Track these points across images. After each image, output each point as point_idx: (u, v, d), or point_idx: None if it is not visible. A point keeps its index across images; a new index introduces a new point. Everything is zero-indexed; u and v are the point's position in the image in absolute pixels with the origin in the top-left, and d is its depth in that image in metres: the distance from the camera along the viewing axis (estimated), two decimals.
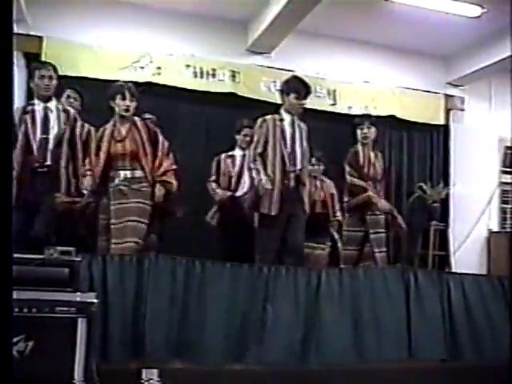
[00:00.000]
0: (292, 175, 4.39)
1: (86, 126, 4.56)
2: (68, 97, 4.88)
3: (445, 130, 7.71)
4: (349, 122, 5.63)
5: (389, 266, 5.05)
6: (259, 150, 4.39)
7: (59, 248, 2.94)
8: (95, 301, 2.80)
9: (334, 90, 7.11)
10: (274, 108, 5.87)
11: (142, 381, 3.08)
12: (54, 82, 4.34)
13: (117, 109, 4.26)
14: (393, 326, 3.88)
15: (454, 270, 6.68)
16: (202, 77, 6.66)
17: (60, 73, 6.00)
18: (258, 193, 4.28)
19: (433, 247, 7.01)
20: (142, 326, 3.33)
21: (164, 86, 6.47)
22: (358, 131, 5.17)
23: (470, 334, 4.07)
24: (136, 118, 4.37)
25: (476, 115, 7.76)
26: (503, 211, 7.96)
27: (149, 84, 6.30)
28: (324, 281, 3.78)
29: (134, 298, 3.39)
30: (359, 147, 5.19)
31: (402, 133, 7.56)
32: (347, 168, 5.13)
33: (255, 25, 6.65)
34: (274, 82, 6.87)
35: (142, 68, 6.40)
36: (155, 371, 3.10)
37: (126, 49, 6.40)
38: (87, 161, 4.31)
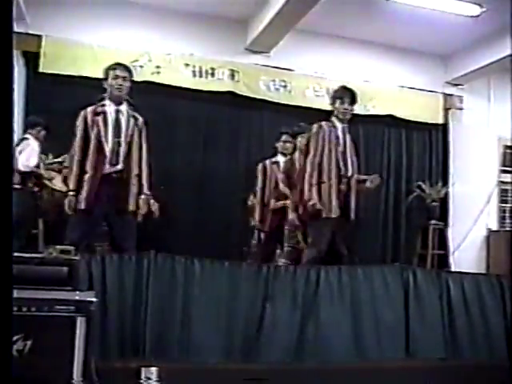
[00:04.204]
0: (344, 180, 4.48)
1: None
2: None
3: (444, 129, 7.73)
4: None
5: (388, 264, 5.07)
6: (317, 159, 4.47)
7: (58, 247, 2.94)
8: (94, 300, 2.80)
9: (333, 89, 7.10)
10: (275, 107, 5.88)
11: (141, 380, 3.08)
12: (128, 84, 4.29)
13: None
14: (392, 325, 3.88)
15: (453, 269, 6.70)
16: (201, 76, 6.67)
17: (59, 72, 6.09)
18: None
19: (432, 246, 7.02)
20: (141, 325, 3.33)
21: (163, 85, 6.48)
22: None
23: (469, 332, 4.07)
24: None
25: (475, 114, 7.77)
26: (502, 210, 7.97)
27: (148, 83, 6.31)
28: (323, 279, 3.79)
29: (133, 296, 3.39)
30: None
31: (401, 132, 7.57)
32: None
33: (254, 24, 6.65)
34: (273, 80, 6.89)
35: (141, 67, 6.40)
36: (154, 370, 3.10)
37: (125, 48, 6.39)
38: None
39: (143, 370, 3.10)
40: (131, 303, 3.38)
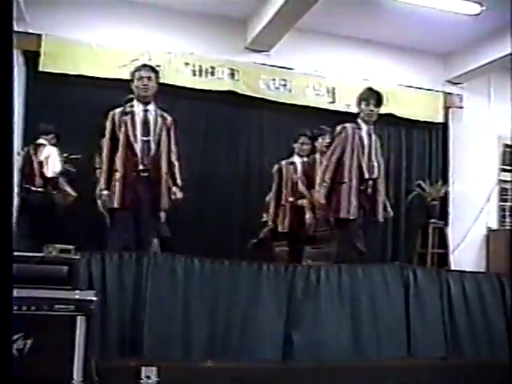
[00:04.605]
0: (370, 182, 4.50)
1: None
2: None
3: (443, 127, 7.72)
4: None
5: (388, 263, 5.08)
6: (334, 156, 4.50)
7: (58, 246, 2.93)
8: (94, 299, 2.80)
9: (333, 88, 7.11)
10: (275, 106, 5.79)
11: (142, 379, 3.08)
12: (153, 83, 4.33)
13: None
14: (392, 324, 3.88)
15: (453, 268, 6.69)
16: (201, 75, 6.66)
17: (59, 71, 6.08)
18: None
19: (432, 245, 7.01)
20: (141, 324, 3.33)
21: (163, 84, 6.45)
22: None
23: (469, 331, 4.07)
24: None
25: (475, 113, 7.76)
26: (502, 209, 7.96)
27: None
28: (323, 278, 3.79)
29: (133, 295, 3.39)
30: None
31: (401, 131, 7.57)
32: None
33: (254, 23, 6.64)
34: (273, 79, 6.88)
35: None
36: (154, 369, 3.10)
37: (125, 47, 6.39)
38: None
39: (143, 368, 3.10)
40: (131, 302, 3.38)
